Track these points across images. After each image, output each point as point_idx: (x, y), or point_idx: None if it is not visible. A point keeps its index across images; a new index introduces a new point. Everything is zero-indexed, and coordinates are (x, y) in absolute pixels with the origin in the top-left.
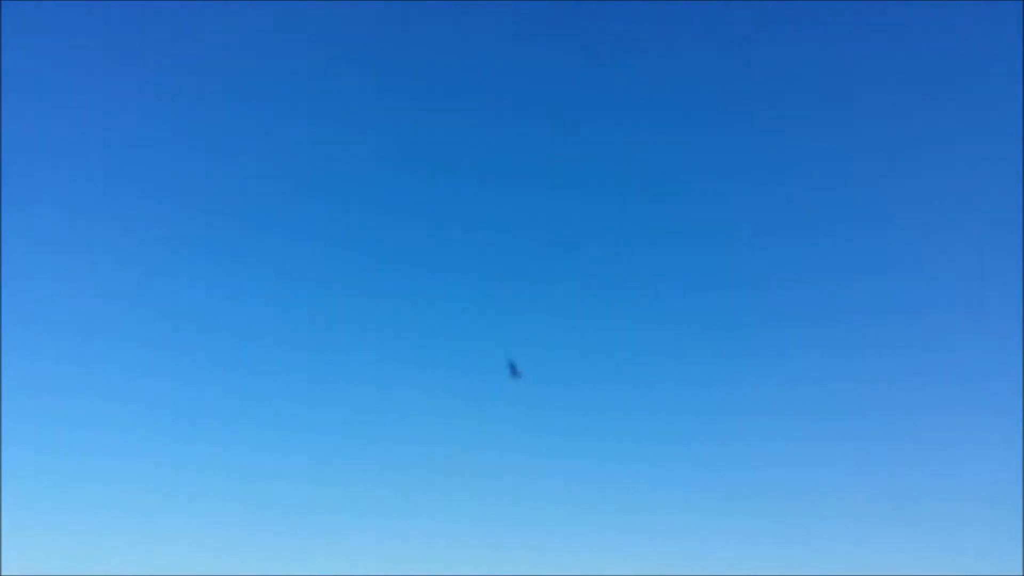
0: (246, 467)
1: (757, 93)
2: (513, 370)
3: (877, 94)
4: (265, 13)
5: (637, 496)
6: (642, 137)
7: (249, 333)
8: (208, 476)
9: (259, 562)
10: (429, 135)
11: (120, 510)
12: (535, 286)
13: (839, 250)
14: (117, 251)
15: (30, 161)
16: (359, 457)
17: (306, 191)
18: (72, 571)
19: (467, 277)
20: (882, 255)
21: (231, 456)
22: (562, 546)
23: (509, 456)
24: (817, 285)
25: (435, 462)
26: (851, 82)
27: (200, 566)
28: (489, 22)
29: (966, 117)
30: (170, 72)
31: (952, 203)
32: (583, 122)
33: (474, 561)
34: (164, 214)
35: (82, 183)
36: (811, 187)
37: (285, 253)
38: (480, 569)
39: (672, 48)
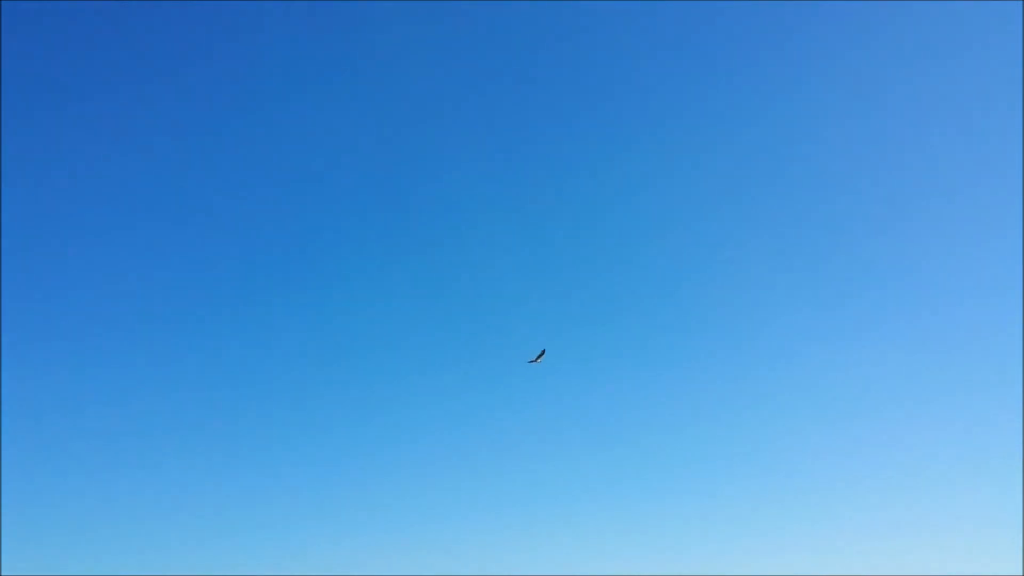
0: (246, 466)
1: (756, 92)
2: (539, 356)
3: (877, 94)
4: (265, 13)
5: (637, 495)
6: (641, 135)
7: (249, 332)
8: (208, 475)
9: (259, 562)
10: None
11: (120, 510)
12: (533, 286)
13: (838, 250)
14: (117, 250)
15: (30, 162)
16: (358, 456)
17: (304, 187)
18: (72, 571)
19: (466, 275)
20: (881, 255)
21: (231, 455)
22: (560, 546)
23: (509, 455)
24: (816, 284)
25: (435, 461)
26: (851, 82)
27: (200, 566)
28: (487, 22)
29: (966, 117)
30: (170, 72)
31: (952, 203)
32: (582, 121)
33: (474, 561)
34: (165, 213)
35: (82, 183)
36: (810, 187)
37: (283, 252)
38: (480, 569)
39: (674, 47)
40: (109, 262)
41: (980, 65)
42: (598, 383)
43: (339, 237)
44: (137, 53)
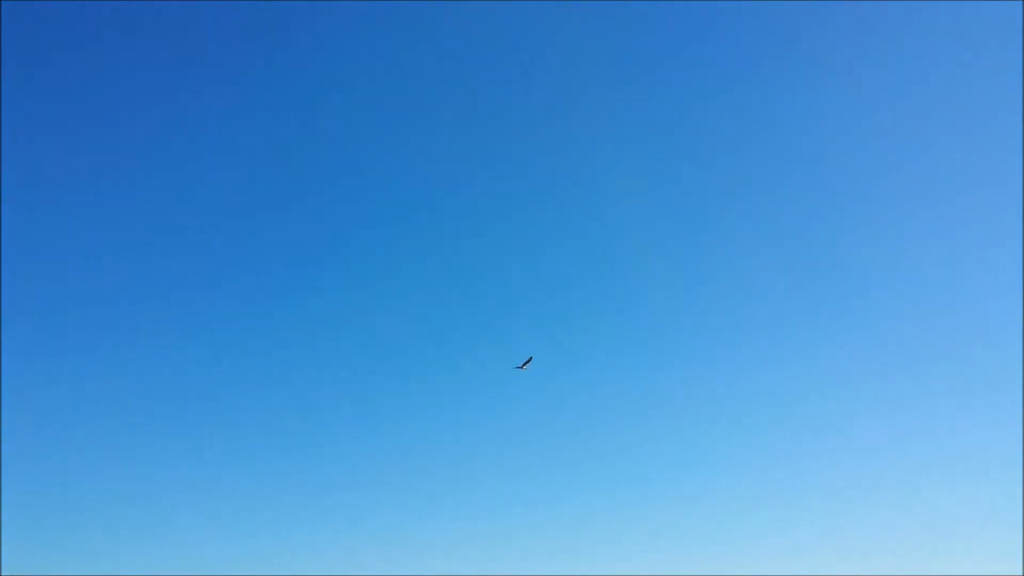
0: (246, 467)
1: (758, 92)
2: (524, 364)
3: (877, 94)
4: (265, 13)
5: (637, 495)
6: (639, 136)
7: (249, 334)
8: (208, 476)
9: (259, 562)
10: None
11: (120, 510)
12: (532, 286)
13: (838, 250)
14: (117, 250)
15: (30, 161)
16: (359, 457)
17: (302, 188)
18: (72, 571)
19: (465, 275)
20: (881, 255)
21: (231, 456)
22: (560, 546)
23: (509, 455)
24: (816, 285)
25: (435, 461)
26: (851, 82)
27: (200, 566)
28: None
29: (966, 117)
30: (170, 72)
31: (952, 203)
32: (579, 121)
33: (473, 561)
34: (165, 213)
35: (82, 183)
36: (810, 187)
37: (283, 253)
38: (479, 569)
39: (674, 47)
40: (109, 263)
41: (980, 65)
42: (597, 385)
43: (339, 242)
44: (138, 54)
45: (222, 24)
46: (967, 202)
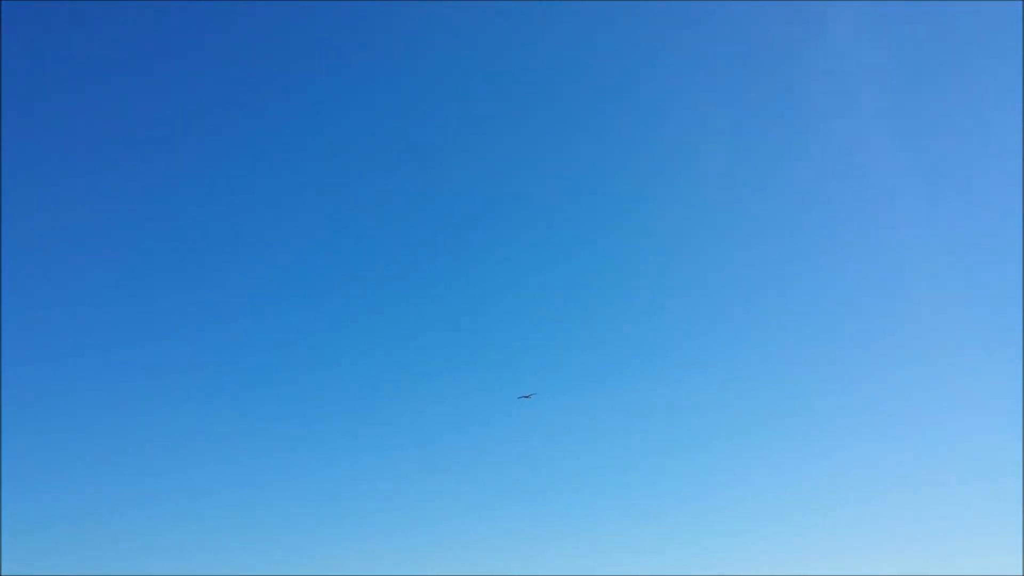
0: (246, 468)
1: (758, 93)
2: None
3: (877, 94)
4: (265, 13)
5: (637, 496)
6: (638, 139)
7: (250, 335)
8: (209, 476)
9: (259, 562)
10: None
11: (120, 510)
12: (532, 288)
13: (838, 251)
14: (117, 251)
15: (30, 161)
16: (359, 458)
17: (304, 191)
18: (72, 571)
19: (465, 276)
20: (881, 255)
21: (231, 457)
22: (561, 546)
23: (510, 456)
24: (816, 285)
25: (436, 462)
26: (851, 82)
27: (200, 566)
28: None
29: (966, 117)
30: (170, 72)
31: (952, 203)
32: (580, 122)
33: (473, 561)
34: (164, 213)
35: (82, 183)
36: (810, 187)
37: (284, 255)
38: (480, 569)
39: (673, 47)
40: (109, 264)
41: (980, 65)
42: (597, 388)
43: (341, 243)
44: (137, 53)
45: (230, 24)
46: (967, 202)
